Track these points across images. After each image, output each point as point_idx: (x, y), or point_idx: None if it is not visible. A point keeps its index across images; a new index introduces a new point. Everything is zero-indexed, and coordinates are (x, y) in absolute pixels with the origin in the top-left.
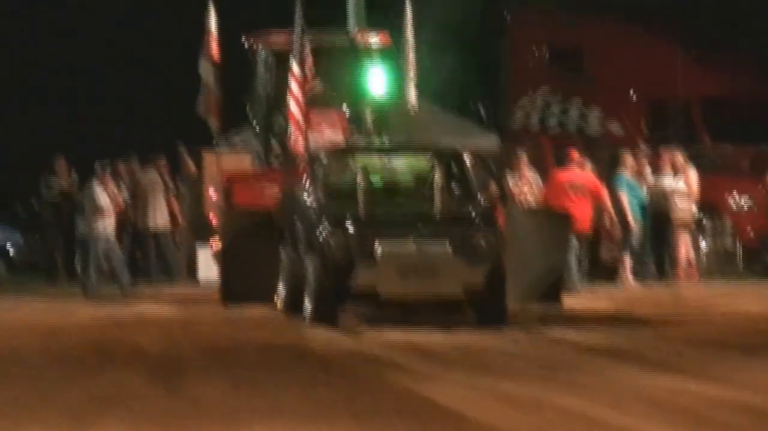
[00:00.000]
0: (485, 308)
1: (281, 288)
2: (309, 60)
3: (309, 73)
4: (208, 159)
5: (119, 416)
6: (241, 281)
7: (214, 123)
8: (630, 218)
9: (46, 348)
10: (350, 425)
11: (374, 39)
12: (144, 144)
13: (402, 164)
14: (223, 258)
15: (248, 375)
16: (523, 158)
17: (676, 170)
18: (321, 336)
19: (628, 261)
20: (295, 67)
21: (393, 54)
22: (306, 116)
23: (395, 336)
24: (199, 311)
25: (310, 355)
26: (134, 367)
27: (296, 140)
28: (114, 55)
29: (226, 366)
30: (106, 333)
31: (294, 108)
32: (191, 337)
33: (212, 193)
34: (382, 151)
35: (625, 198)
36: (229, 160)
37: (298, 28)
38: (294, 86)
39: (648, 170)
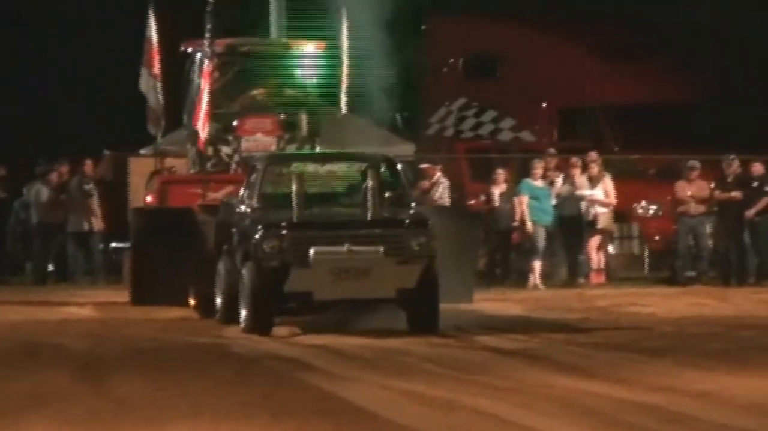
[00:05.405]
0: (418, 310)
1: (218, 299)
2: (215, 62)
3: (216, 75)
4: (134, 165)
5: (45, 414)
6: (152, 281)
7: (155, 131)
8: (528, 223)
9: None
10: (268, 423)
11: (308, 45)
12: (74, 148)
13: (335, 170)
14: (132, 257)
15: (170, 375)
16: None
17: (592, 177)
18: (241, 338)
19: (537, 266)
20: (206, 68)
21: (326, 60)
22: (207, 115)
23: (314, 338)
24: (123, 313)
25: (230, 356)
26: (60, 367)
27: (199, 137)
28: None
29: (149, 367)
30: (32, 334)
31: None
32: (115, 338)
33: (149, 198)
34: (315, 158)
35: (524, 203)
36: (150, 165)
37: (208, 30)
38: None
39: (559, 176)
